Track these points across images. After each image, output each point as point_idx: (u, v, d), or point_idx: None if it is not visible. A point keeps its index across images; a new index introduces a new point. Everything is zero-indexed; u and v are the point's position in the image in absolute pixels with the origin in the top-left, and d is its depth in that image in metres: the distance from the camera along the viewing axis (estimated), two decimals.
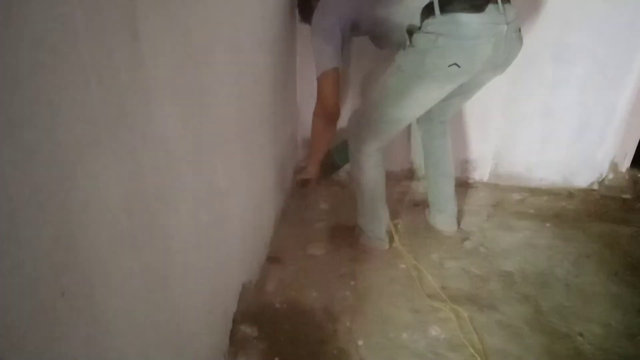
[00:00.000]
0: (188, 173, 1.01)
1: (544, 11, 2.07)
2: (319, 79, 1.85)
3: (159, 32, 0.81)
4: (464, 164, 2.43)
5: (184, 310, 1.06)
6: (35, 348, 0.54)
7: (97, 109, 0.63)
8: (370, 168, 1.88)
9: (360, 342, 1.60)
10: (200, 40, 1.03)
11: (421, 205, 2.28)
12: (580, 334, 1.62)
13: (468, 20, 1.48)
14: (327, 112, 1.92)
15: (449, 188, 2.07)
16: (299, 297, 1.77)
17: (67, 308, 0.60)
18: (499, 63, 1.64)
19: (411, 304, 1.74)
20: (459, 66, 1.54)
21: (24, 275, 0.51)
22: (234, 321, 1.58)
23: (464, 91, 1.79)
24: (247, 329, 1.63)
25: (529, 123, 2.32)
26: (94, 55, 0.61)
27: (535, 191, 2.41)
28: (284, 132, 2.13)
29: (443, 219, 2.11)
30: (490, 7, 1.49)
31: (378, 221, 1.98)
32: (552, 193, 2.39)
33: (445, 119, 1.98)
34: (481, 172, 2.45)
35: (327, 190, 2.43)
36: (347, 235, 2.08)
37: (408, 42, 1.59)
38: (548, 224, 2.16)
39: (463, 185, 2.43)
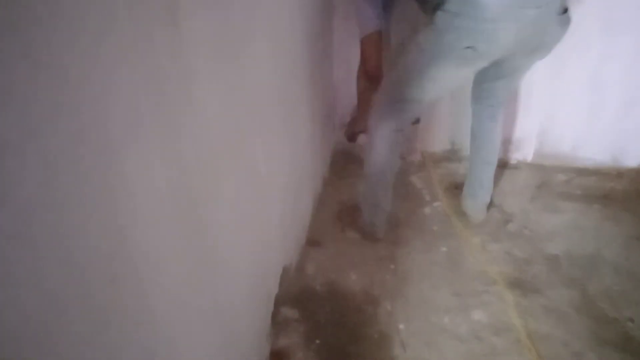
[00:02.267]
0: (229, 157, 1.01)
1: None
2: (361, 41, 1.80)
3: (200, 18, 0.80)
4: (507, 144, 2.36)
5: (227, 293, 1.07)
6: (88, 332, 0.55)
7: (140, 95, 0.63)
8: (383, 149, 1.80)
9: (401, 326, 1.60)
10: (239, 26, 1.02)
11: (462, 188, 2.24)
12: (631, 319, 1.57)
13: (487, 1, 1.37)
14: (369, 75, 1.88)
15: (486, 175, 1.99)
16: (338, 280, 1.77)
17: (116, 293, 0.60)
18: (534, 47, 1.55)
19: (453, 288, 1.72)
20: (475, 49, 1.46)
21: (73, 264, 0.52)
22: (276, 304, 1.59)
23: (505, 74, 1.72)
24: (288, 312, 1.64)
25: (574, 100, 2.23)
26: (135, 41, 0.61)
27: (582, 171, 2.32)
28: (320, 114, 2.11)
29: (472, 205, 2.04)
30: None
31: (375, 207, 1.92)
32: (600, 173, 2.30)
33: (494, 102, 1.87)
34: (525, 152, 2.37)
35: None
36: (353, 216, 2.02)
37: (430, 19, 1.51)
38: (596, 205, 2.09)
39: (506, 166, 2.37)
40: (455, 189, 2.24)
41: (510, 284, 1.72)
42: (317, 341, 1.56)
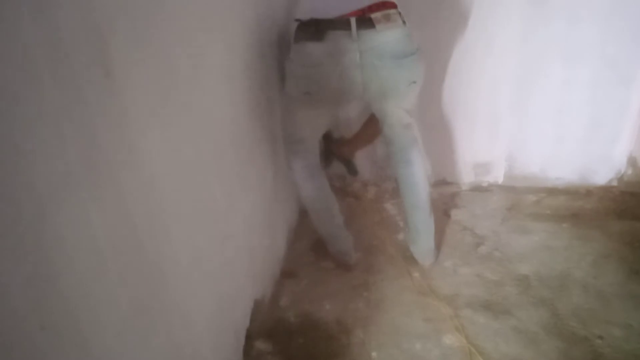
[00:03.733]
0: (180, 199, 1.04)
1: (549, 8, 2.04)
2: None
3: (138, 68, 0.84)
4: (477, 168, 2.41)
5: (185, 332, 1.09)
6: None
7: (69, 147, 0.66)
8: (304, 185, 1.86)
9: (374, 354, 1.61)
10: (186, 73, 1.06)
11: None
12: (600, 337, 1.58)
13: (312, 49, 1.52)
14: None
15: (419, 220, 1.89)
16: (312, 311, 1.79)
17: (47, 341, 0.62)
18: (380, 91, 1.60)
19: (424, 313, 1.73)
20: (310, 93, 1.60)
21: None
22: (248, 337, 1.60)
23: (382, 120, 1.78)
24: (262, 345, 1.65)
25: (540, 123, 2.29)
26: (62, 96, 0.64)
27: (551, 191, 2.37)
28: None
29: (416, 251, 1.96)
30: (334, 35, 1.48)
31: (330, 237, 1.95)
32: (569, 192, 2.35)
33: (398, 147, 1.81)
34: (495, 175, 2.42)
35: (341, 202, 2.44)
36: (325, 246, 2.02)
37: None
38: (565, 225, 2.12)
39: (477, 189, 2.41)
40: None
41: (481, 306, 1.74)
42: None
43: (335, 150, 2.23)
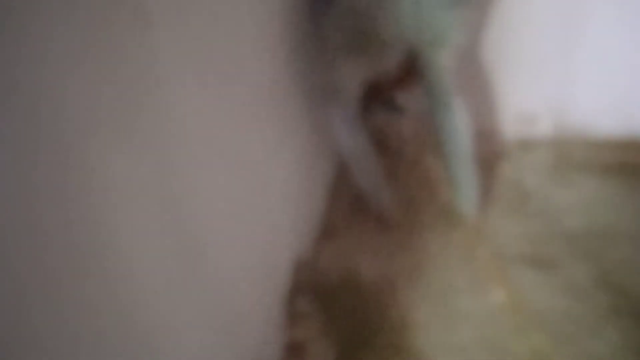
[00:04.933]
0: (216, 149, 1.02)
1: None
2: None
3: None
4: (522, 119, 2.31)
5: (230, 289, 1.08)
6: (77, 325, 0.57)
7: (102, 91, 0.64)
8: (342, 136, 1.82)
9: (420, 310, 1.59)
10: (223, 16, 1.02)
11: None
12: None
13: None
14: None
15: (461, 171, 1.82)
16: (354, 269, 1.77)
17: (108, 290, 0.62)
18: (423, 34, 1.56)
19: (469, 268, 1.70)
20: (354, 39, 1.56)
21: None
22: (289, 296, 1.61)
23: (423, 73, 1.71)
24: (303, 303, 1.65)
25: (591, 71, 2.16)
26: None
27: (600, 144, 2.25)
28: None
29: (459, 204, 1.87)
30: None
31: (372, 193, 1.91)
32: (619, 146, 2.22)
33: (445, 91, 1.75)
34: (541, 127, 2.31)
35: (380, 158, 2.39)
36: (368, 204, 1.98)
37: None
38: (614, 178, 2.02)
39: (522, 142, 2.32)
40: None
41: (528, 261, 1.69)
42: (334, 331, 1.57)
43: (375, 94, 2.14)
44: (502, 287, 1.62)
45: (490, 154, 2.27)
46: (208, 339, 0.96)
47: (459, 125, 1.79)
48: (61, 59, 0.56)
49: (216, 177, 1.03)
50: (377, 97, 2.18)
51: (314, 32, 1.76)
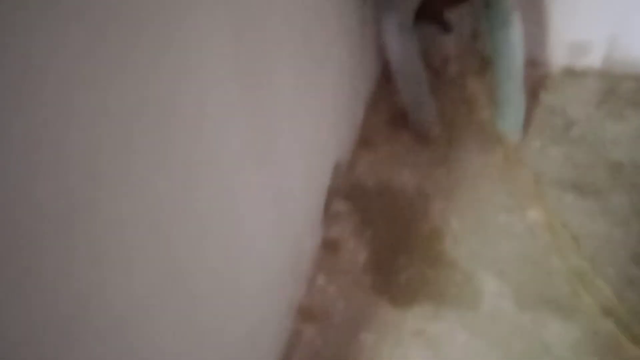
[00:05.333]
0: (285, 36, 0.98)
1: None
2: None
3: None
4: (572, 48, 2.21)
5: (285, 180, 1.08)
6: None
7: None
8: (394, 43, 1.74)
9: (454, 222, 1.59)
10: None
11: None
12: None
13: None
14: None
15: (511, 91, 1.81)
16: (390, 178, 1.76)
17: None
18: None
19: (508, 188, 1.68)
20: None
21: None
22: (328, 196, 1.60)
23: None
24: (340, 204, 1.65)
25: None
26: None
27: None
28: None
29: (504, 126, 1.86)
30: None
31: (416, 105, 1.86)
32: None
33: (503, 6, 1.71)
34: (592, 57, 2.22)
35: None
36: (406, 118, 1.94)
37: None
38: None
39: (571, 72, 2.24)
40: None
41: (570, 186, 1.67)
42: (369, 232, 1.58)
43: (429, 9, 2.06)
44: (540, 207, 1.60)
45: (537, 80, 2.21)
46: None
47: (516, 42, 1.74)
48: None
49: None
50: (430, 12, 2.09)
51: None
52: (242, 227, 0.93)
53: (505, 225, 1.56)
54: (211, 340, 0.83)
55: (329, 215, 1.59)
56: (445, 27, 2.09)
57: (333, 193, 1.63)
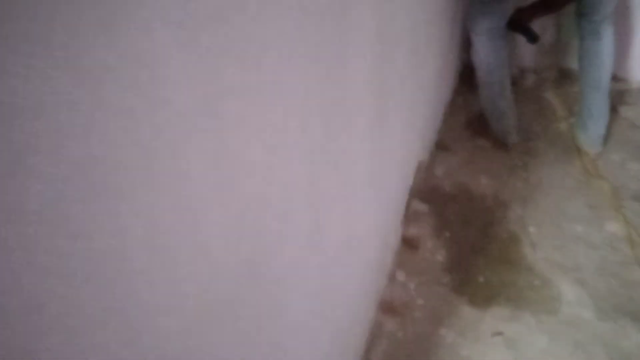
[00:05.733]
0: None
1: None
2: None
3: None
4: None
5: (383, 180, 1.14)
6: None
7: None
8: (484, 48, 1.77)
9: (531, 229, 1.62)
10: None
11: None
12: None
13: None
14: None
15: (595, 103, 1.83)
16: (468, 183, 1.80)
17: None
18: None
19: (587, 199, 1.70)
20: None
21: None
22: (408, 196, 1.66)
23: None
24: (419, 205, 1.71)
25: None
26: None
27: None
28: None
29: (583, 137, 1.89)
30: None
31: (497, 113, 1.89)
32: None
33: (596, 17, 1.71)
34: None
35: None
36: (484, 125, 1.99)
37: None
38: None
39: None
40: None
41: None
42: (447, 234, 1.63)
43: (518, 18, 2.08)
44: (617, 219, 1.62)
45: (617, 95, 2.20)
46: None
47: (606, 54, 1.77)
48: None
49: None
50: (524, 19, 2.11)
51: None
52: (352, 218, 0.99)
53: (584, 235, 1.58)
54: (305, 331, 0.84)
55: (408, 214, 1.64)
56: (534, 37, 2.09)
57: (414, 193, 1.69)
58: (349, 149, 0.88)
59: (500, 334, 1.36)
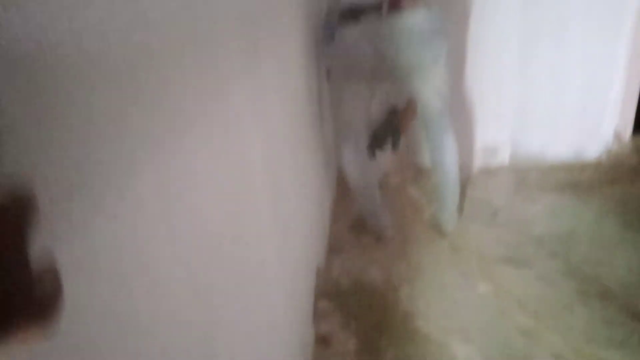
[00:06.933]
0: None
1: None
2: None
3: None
4: (485, 152, 2.74)
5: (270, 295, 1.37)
6: None
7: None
8: (352, 168, 2.16)
9: (420, 303, 1.90)
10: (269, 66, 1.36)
11: None
12: (607, 275, 1.90)
13: (350, 31, 1.88)
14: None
15: (446, 189, 2.22)
16: (361, 276, 2.07)
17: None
18: (404, 67, 1.91)
19: (458, 269, 2.04)
20: (350, 72, 1.97)
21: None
22: (314, 297, 1.88)
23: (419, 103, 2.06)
24: (324, 304, 1.93)
25: (537, 110, 2.64)
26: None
27: (552, 167, 2.70)
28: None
29: (442, 218, 2.27)
30: (368, 18, 1.83)
31: (373, 214, 2.26)
32: (567, 168, 2.69)
33: (436, 131, 2.10)
34: (501, 157, 2.75)
35: None
36: (365, 225, 2.33)
37: None
38: (567, 194, 2.45)
39: (487, 171, 2.74)
40: None
41: (505, 261, 2.05)
42: (353, 325, 1.85)
43: (384, 133, 2.41)
44: (486, 281, 1.96)
45: (463, 180, 2.68)
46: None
47: (451, 164, 2.17)
48: None
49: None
50: (377, 144, 2.52)
51: (323, 65, 2.12)
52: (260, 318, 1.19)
53: (462, 299, 1.89)
54: None
55: (317, 314, 1.86)
56: (395, 144, 2.46)
57: (318, 294, 1.92)
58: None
59: None
